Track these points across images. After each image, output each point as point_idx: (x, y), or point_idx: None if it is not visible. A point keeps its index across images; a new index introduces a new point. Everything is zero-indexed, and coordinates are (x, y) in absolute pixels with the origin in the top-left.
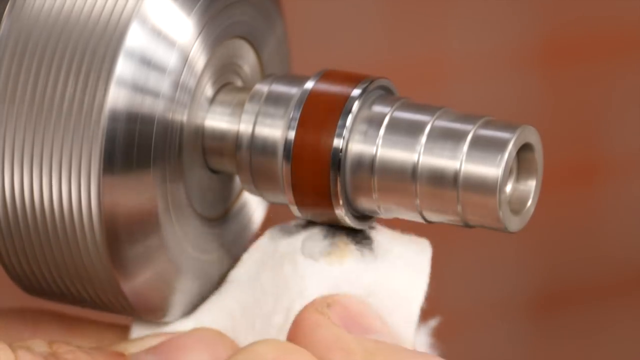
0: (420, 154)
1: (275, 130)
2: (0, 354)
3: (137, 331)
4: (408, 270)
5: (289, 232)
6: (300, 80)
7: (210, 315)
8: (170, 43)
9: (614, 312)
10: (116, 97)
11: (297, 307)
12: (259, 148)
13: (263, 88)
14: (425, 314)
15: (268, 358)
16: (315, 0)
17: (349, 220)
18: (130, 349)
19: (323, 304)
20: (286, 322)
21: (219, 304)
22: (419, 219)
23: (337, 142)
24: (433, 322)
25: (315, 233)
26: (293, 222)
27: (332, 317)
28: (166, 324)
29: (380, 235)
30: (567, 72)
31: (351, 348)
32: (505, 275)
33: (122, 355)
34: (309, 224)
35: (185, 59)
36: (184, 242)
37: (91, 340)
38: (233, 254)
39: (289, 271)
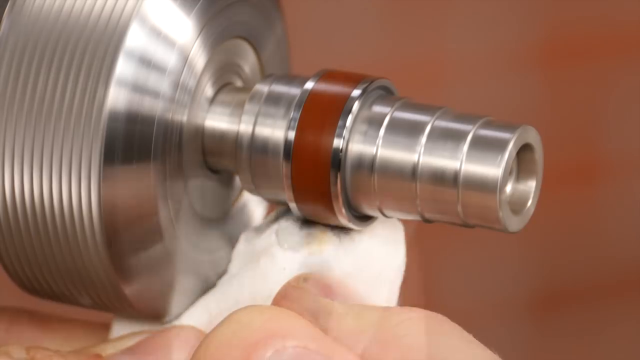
0: (420, 154)
1: (276, 130)
2: None
3: (118, 329)
4: (386, 249)
5: (261, 230)
6: (300, 80)
7: (189, 314)
8: (170, 43)
9: (613, 312)
10: (116, 97)
11: None
12: (259, 148)
13: (263, 88)
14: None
15: (255, 324)
16: (315, 0)
17: (349, 221)
18: (108, 350)
19: (299, 280)
20: None
21: (200, 305)
22: (418, 219)
23: (337, 142)
24: None
25: (290, 225)
26: (264, 220)
27: (311, 290)
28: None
29: None
30: (567, 72)
31: (340, 312)
32: (505, 275)
33: (99, 357)
34: (279, 216)
35: (185, 59)
36: (184, 242)
37: (66, 339)
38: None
39: (267, 264)
